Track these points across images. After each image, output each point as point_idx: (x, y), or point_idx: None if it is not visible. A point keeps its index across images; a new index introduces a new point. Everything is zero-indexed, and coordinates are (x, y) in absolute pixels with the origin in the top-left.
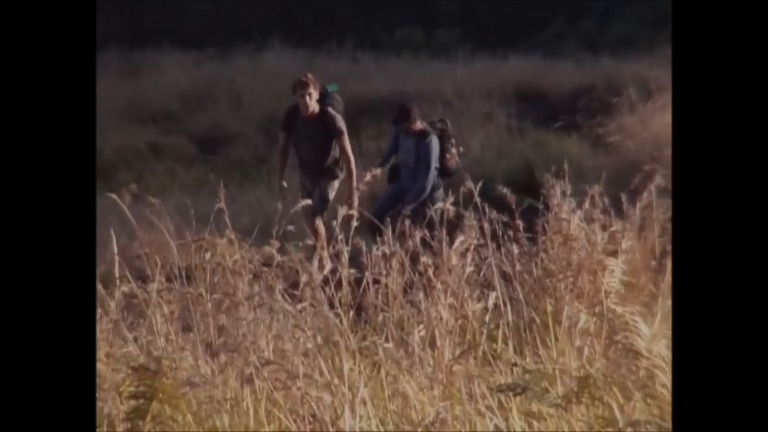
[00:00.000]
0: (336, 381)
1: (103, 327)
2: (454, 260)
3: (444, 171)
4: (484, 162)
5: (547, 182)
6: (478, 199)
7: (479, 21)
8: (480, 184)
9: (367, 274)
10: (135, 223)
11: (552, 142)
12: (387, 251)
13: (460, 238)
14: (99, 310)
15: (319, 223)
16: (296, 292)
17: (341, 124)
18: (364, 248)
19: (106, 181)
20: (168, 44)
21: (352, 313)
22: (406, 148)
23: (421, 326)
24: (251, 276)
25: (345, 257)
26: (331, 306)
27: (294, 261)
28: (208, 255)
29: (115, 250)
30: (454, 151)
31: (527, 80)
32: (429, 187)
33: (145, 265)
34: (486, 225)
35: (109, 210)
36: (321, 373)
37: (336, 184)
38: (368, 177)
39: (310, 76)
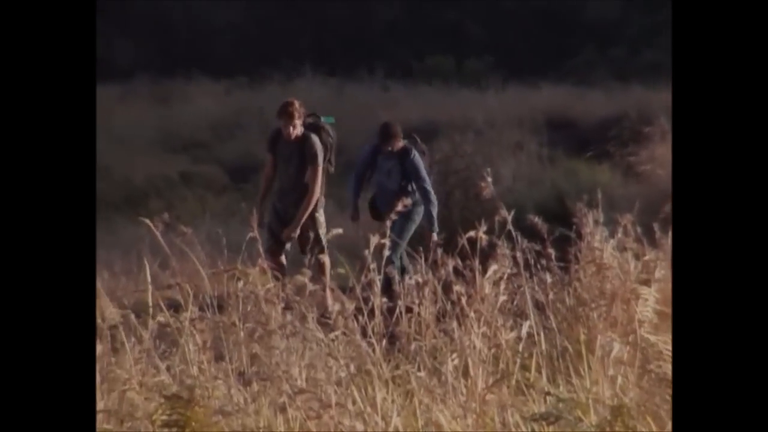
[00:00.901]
0: (369, 410)
1: (135, 356)
2: (487, 289)
3: None
4: (515, 191)
5: (579, 211)
6: (511, 228)
7: (510, 49)
8: (512, 212)
9: (399, 302)
10: (168, 251)
11: (583, 170)
12: (420, 280)
13: (493, 267)
14: (132, 339)
15: (325, 258)
16: (329, 321)
17: (318, 151)
18: (396, 277)
19: (137, 209)
20: (198, 72)
21: (384, 342)
22: (386, 169)
23: (455, 355)
24: (283, 305)
25: (377, 286)
26: (364, 335)
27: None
28: (240, 284)
29: (149, 279)
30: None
31: (558, 109)
32: (434, 197)
33: (177, 294)
34: (518, 254)
35: (141, 239)
36: (354, 402)
37: (321, 218)
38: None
39: (296, 104)
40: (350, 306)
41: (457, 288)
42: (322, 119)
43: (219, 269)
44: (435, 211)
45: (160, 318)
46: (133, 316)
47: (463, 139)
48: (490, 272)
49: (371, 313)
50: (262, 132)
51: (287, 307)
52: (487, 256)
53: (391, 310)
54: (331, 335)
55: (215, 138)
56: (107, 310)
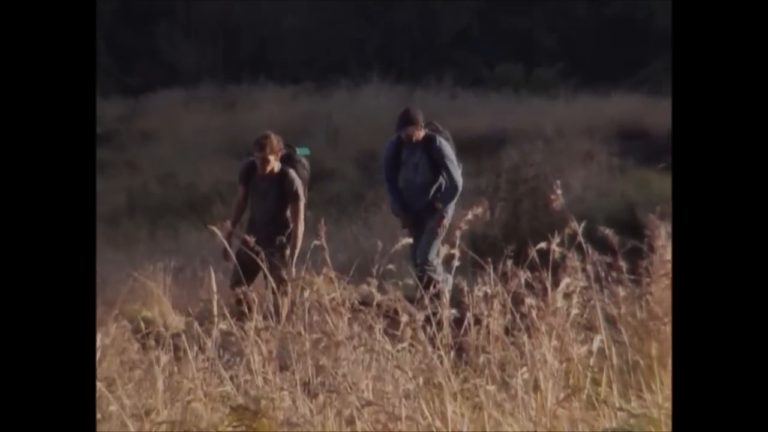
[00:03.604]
0: (438, 423)
1: (199, 365)
2: (559, 302)
3: None
4: (585, 201)
5: (651, 223)
6: (582, 240)
7: (581, 57)
8: (583, 224)
9: (468, 314)
10: (234, 259)
11: (654, 181)
12: (489, 291)
13: (566, 280)
14: (195, 348)
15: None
16: (396, 332)
17: (299, 188)
18: (465, 288)
19: (201, 215)
20: (264, 78)
21: (452, 353)
22: (412, 163)
23: (525, 369)
24: (350, 315)
25: (446, 297)
26: (432, 346)
27: (393, 300)
28: (306, 293)
29: (214, 288)
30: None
31: (629, 118)
32: (461, 185)
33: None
34: (589, 266)
35: (204, 245)
36: (423, 416)
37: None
38: (470, 216)
39: (272, 138)
40: (420, 317)
41: (529, 301)
42: (297, 151)
43: (284, 278)
44: (455, 197)
45: (222, 326)
46: (196, 325)
47: (533, 147)
48: (562, 285)
49: (439, 324)
50: (328, 139)
51: (353, 317)
52: (557, 267)
53: (458, 322)
54: (399, 347)
55: None
56: (170, 318)
